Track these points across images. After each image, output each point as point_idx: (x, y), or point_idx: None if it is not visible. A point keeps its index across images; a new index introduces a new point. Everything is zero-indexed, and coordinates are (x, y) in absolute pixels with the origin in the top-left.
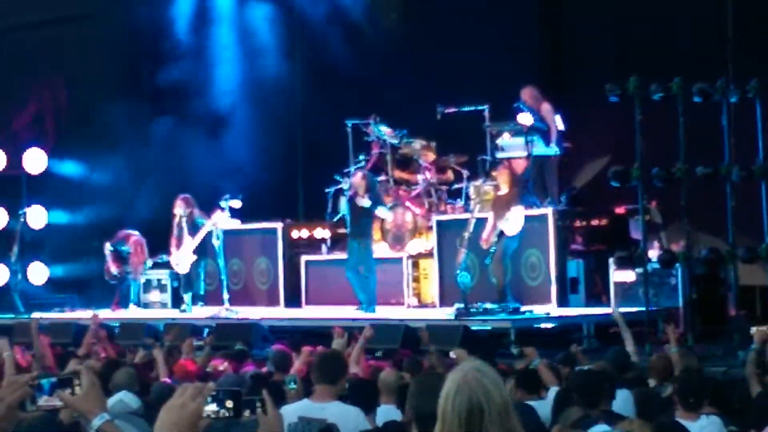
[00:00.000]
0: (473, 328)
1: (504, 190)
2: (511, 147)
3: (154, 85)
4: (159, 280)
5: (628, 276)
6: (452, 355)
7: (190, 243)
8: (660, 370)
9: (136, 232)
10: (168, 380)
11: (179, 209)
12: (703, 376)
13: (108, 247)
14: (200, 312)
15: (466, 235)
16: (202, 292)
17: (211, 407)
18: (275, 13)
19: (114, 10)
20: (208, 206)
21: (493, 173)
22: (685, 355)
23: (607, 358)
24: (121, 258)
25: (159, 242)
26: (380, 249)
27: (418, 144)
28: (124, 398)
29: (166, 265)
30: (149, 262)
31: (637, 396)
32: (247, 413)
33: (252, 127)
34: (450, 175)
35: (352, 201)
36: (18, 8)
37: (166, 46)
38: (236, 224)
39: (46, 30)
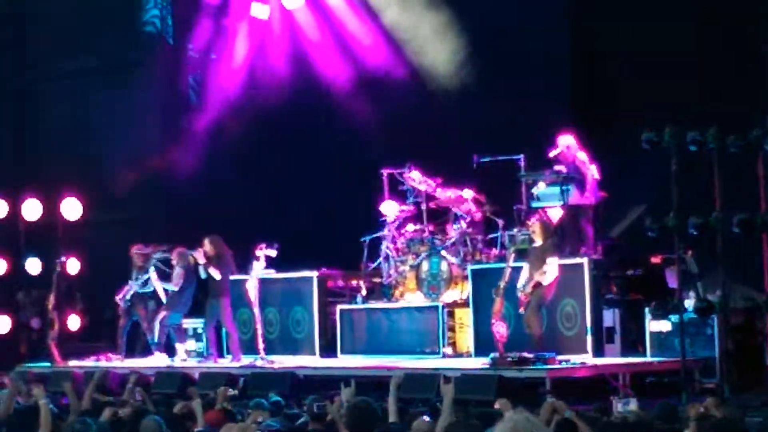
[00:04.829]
0: (508, 377)
1: (538, 241)
2: (547, 196)
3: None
4: (195, 329)
5: (664, 326)
6: (497, 406)
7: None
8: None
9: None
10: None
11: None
12: (738, 426)
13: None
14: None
15: (502, 284)
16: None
17: None
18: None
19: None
20: (244, 254)
21: (528, 223)
22: (727, 406)
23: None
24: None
25: None
26: (415, 298)
27: (452, 193)
28: None
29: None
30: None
31: None
32: None
33: (287, 175)
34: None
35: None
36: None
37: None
38: (271, 273)
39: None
